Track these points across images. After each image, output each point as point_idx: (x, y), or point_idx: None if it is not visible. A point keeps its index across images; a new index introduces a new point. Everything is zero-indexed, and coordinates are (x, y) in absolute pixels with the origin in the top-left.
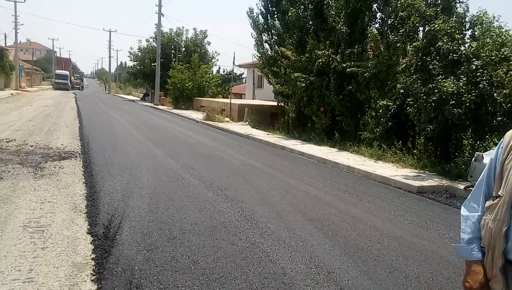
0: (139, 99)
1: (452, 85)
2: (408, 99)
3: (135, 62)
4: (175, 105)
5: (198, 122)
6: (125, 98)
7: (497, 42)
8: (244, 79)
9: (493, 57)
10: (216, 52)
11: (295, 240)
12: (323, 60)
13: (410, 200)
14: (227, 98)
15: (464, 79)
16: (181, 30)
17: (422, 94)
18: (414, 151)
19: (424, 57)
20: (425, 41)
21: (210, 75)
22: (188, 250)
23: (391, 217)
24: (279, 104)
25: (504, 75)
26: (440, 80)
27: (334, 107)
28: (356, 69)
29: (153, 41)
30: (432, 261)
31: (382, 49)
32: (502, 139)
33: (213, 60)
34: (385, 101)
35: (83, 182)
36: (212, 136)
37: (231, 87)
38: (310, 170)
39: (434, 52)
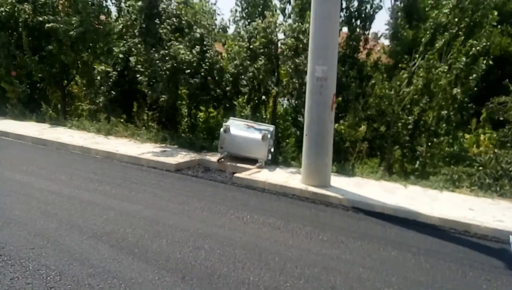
0: None
1: (189, 53)
2: (138, 66)
3: None
4: None
5: None
6: None
7: (211, 11)
8: None
9: (213, 26)
10: None
11: None
12: (7, 9)
13: (176, 180)
14: None
15: (198, 47)
16: None
17: (157, 61)
18: (148, 124)
19: (149, 19)
20: (147, 1)
21: None
22: None
23: (169, 205)
24: None
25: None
26: (172, 46)
27: (32, 71)
28: (57, 25)
29: None
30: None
31: (79, 4)
32: None
33: None
34: (104, 67)
35: None
36: None
37: None
38: (33, 155)
39: (163, 15)
